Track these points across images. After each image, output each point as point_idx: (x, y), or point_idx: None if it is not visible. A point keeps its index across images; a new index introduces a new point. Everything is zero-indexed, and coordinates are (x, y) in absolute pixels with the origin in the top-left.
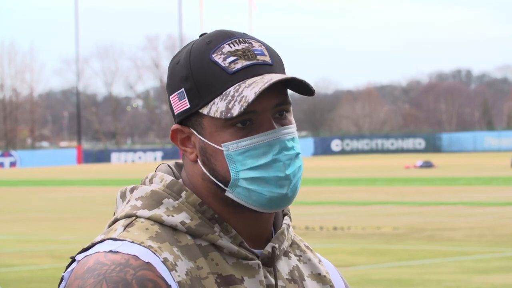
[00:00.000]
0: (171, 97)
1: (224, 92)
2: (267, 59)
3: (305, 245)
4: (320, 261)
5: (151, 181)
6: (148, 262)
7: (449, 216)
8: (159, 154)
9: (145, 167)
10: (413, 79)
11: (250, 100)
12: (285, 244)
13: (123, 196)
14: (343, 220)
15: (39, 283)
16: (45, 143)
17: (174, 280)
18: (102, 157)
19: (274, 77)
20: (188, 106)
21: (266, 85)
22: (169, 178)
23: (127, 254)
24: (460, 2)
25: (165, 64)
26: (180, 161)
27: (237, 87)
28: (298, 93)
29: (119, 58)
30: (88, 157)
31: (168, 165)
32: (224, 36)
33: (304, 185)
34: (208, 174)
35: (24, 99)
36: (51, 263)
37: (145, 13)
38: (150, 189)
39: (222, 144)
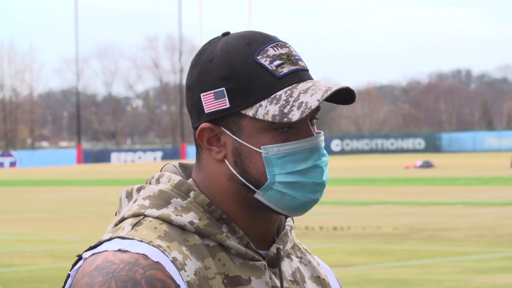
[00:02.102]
0: (203, 95)
1: (273, 96)
2: (305, 65)
3: (304, 247)
4: (318, 264)
5: (158, 181)
6: (157, 262)
7: (449, 216)
8: (159, 154)
9: (145, 167)
10: (413, 79)
11: (313, 107)
12: (289, 246)
13: (129, 195)
14: (343, 220)
15: (39, 283)
16: (45, 143)
17: (183, 280)
18: (102, 157)
19: (331, 85)
20: (228, 106)
21: (329, 93)
22: (177, 178)
23: (136, 253)
24: (460, 2)
25: (165, 64)
26: (184, 161)
27: (289, 91)
28: (333, 103)
29: (119, 58)
30: (88, 157)
31: (174, 165)
32: (264, 39)
33: None
34: (238, 175)
35: (24, 99)
36: (51, 263)
37: (145, 13)
38: (158, 189)
39: (262, 147)
